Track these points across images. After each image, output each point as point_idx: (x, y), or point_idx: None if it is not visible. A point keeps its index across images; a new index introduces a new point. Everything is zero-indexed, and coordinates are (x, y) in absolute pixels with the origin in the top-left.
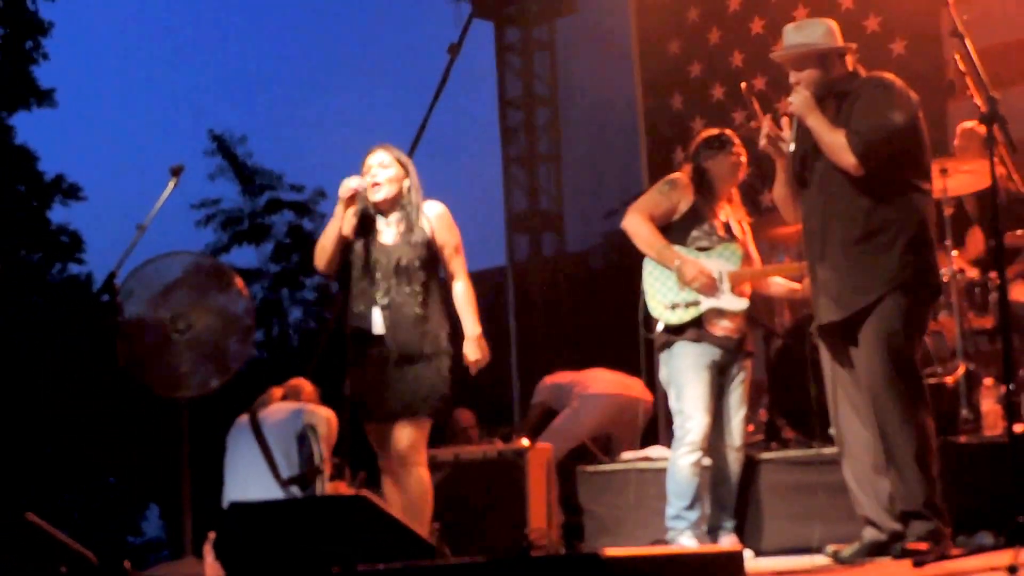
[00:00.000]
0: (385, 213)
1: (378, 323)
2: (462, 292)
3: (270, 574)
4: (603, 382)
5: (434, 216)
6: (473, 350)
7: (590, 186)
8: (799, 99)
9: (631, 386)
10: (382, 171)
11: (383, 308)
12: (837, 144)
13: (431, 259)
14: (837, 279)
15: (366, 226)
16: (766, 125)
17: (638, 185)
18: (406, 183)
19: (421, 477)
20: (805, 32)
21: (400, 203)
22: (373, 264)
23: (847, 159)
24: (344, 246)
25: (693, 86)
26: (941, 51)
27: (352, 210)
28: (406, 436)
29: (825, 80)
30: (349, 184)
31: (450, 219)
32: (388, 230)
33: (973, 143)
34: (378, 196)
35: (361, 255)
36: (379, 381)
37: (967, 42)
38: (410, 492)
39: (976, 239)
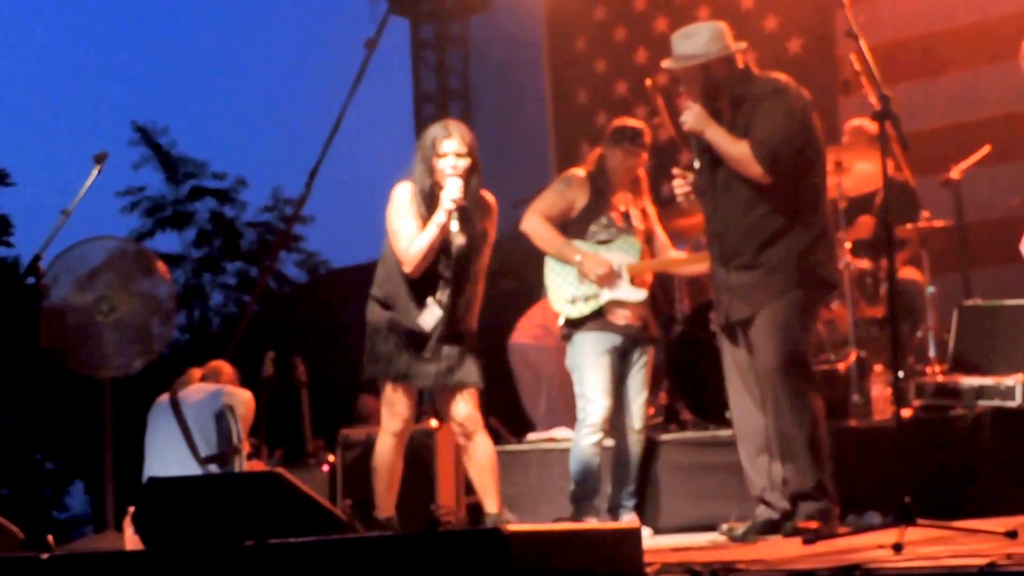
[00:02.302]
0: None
1: (436, 313)
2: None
3: (186, 547)
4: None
5: (491, 207)
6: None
7: (501, 177)
8: (692, 115)
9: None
10: (461, 162)
11: (444, 301)
12: (742, 156)
13: (485, 246)
14: (742, 280)
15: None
16: (683, 186)
17: (547, 177)
18: (474, 175)
19: (488, 441)
20: (691, 41)
21: (469, 193)
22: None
23: (754, 170)
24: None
25: (598, 82)
26: (835, 50)
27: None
28: (470, 404)
29: (713, 88)
30: (455, 196)
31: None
32: (453, 223)
33: (861, 139)
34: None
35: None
36: (433, 354)
37: (862, 42)
38: (479, 457)
39: (866, 223)
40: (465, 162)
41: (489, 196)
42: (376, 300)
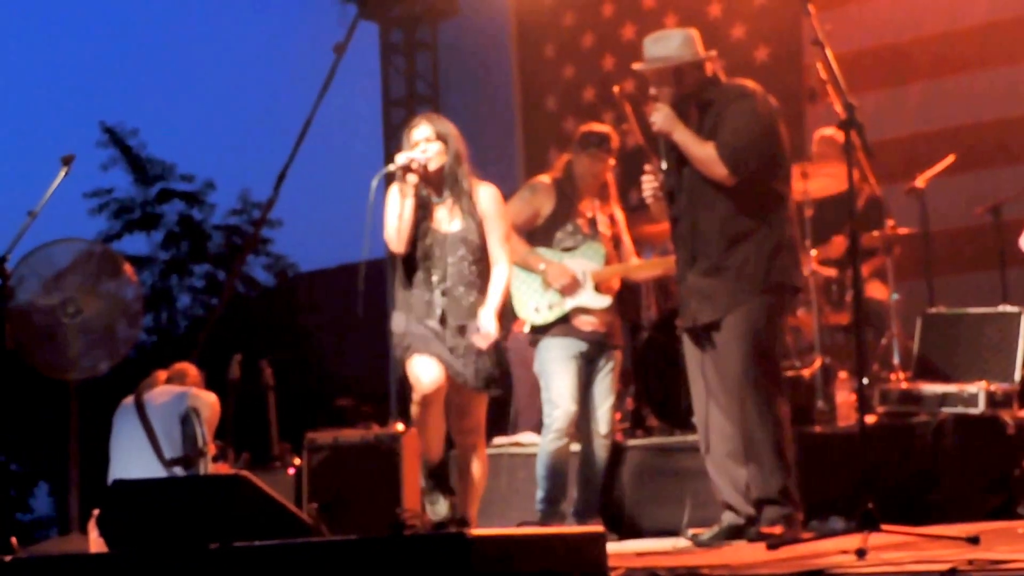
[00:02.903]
0: (437, 192)
1: (438, 306)
2: (499, 274)
3: (151, 550)
4: None
5: (485, 196)
6: (490, 321)
7: None
8: (661, 116)
9: None
10: (431, 146)
11: (442, 293)
12: (708, 157)
13: (483, 239)
14: (708, 283)
15: (420, 208)
16: (651, 182)
17: (514, 182)
18: (450, 159)
19: (483, 457)
20: (663, 44)
21: (447, 181)
22: (428, 248)
23: (719, 171)
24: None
25: (566, 88)
26: (802, 59)
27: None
28: (480, 412)
29: (682, 91)
30: (400, 160)
31: (501, 202)
32: (441, 210)
33: (831, 149)
34: (432, 167)
35: (415, 239)
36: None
37: (828, 51)
38: (476, 473)
39: (839, 243)
40: (436, 146)
41: (486, 185)
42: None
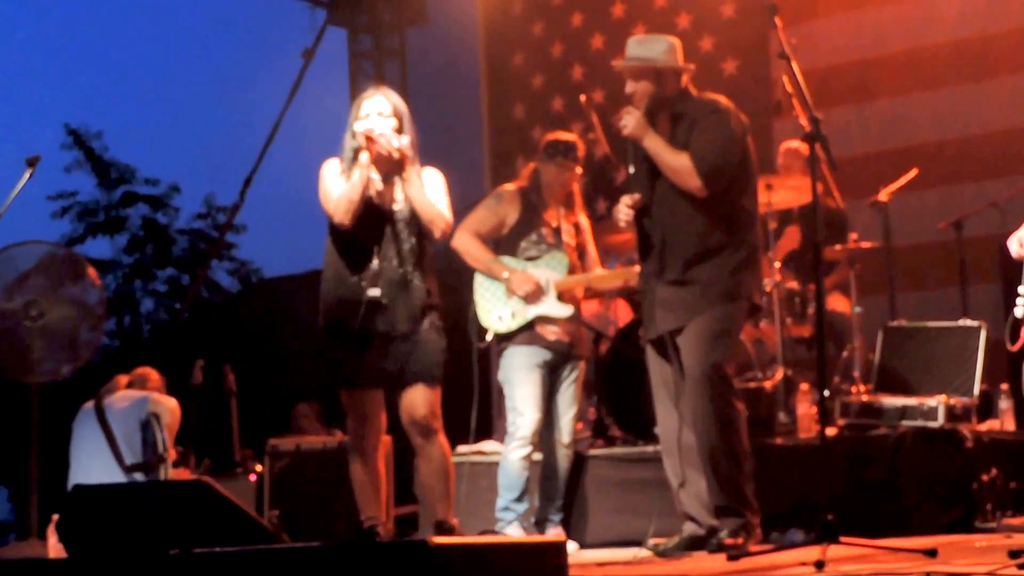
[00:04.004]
0: (380, 170)
1: (375, 289)
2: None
3: (110, 556)
4: None
5: (428, 179)
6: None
7: None
8: (632, 121)
9: None
10: (383, 122)
11: (378, 274)
12: (682, 167)
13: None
14: (674, 293)
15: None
16: (627, 210)
17: (480, 190)
18: (404, 139)
19: (443, 444)
20: (647, 46)
21: (394, 160)
22: (368, 226)
23: (693, 182)
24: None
25: (535, 97)
26: (770, 72)
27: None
28: (425, 401)
29: (659, 95)
30: (364, 128)
31: (443, 185)
32: (386, 189)
33: (796, 162)
34: (393, 145)
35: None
36: (381, 347)
37: (794, 64)
38: (434, 461)
39: (792, 234)
40: (390, 123)
41: (430, 170)
42: (320, 309)
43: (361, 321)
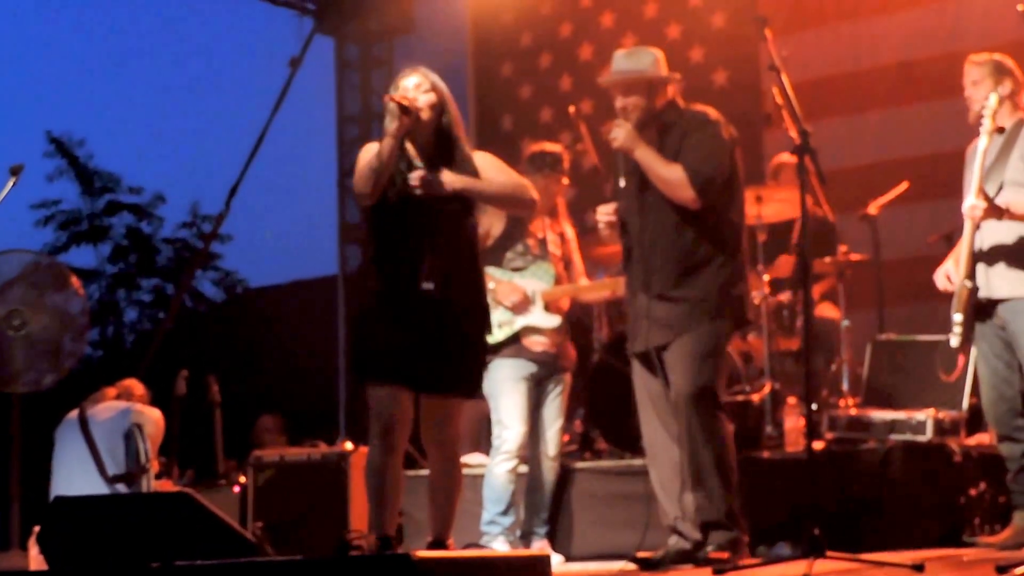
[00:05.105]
0: (425, 153)
1: (428, 283)
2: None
3: (92, 568)
4: None
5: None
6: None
7: None
8: (623, 133)
9: None
10: (421, 95)
11: (427, 262)
12: (675, 178)
13: (473, 206)
14: (662, 307)
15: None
16: (606, 212)
17: None
18: (445, 118)
19: (459, 468)
20: (634, 59)
21: (437, 142)
22: (413, 213)
23: (686, 194)
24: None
25: (523, 108)
26: (760, 84)
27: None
28: (457, 416)
29: (649, 108)
30: (399, 96)
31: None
32: (432, 177)
33: (788, 174)
34: (424, 116)
35: (397, 203)
36: (429, 346)
37: (783, 76)
38: (456, 481)
39: (786, 262)
40: (428, 97)
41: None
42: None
43: (411, 317)
